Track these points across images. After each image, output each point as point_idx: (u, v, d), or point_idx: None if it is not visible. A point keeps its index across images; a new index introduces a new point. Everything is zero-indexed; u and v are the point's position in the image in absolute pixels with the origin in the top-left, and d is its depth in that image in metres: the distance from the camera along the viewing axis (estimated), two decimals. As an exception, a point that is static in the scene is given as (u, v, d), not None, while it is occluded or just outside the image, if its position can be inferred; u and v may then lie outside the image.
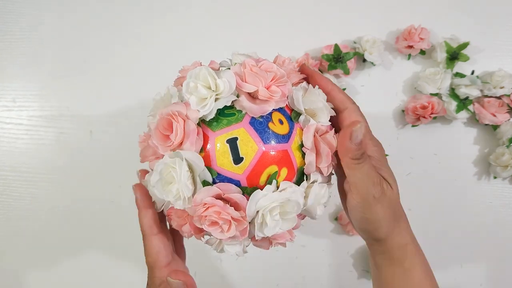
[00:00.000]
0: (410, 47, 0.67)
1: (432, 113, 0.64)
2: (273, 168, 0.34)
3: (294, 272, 0.69)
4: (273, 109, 0.35)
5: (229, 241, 0.35)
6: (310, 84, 0.39)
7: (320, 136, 0.36)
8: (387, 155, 0.66)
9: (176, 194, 0.33)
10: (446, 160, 0.68)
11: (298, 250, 0.68)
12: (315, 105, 0.37)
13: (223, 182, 0.34)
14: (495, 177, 0.67)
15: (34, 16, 0.68)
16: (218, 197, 0.33)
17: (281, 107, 0.36)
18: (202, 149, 0.34)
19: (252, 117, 0.34)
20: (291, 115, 0.37)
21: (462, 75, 0.67)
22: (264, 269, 0.68)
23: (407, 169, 0.69)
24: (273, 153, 0.34)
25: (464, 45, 0.66)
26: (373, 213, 0.38)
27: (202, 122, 0.34)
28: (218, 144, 0.34)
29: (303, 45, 0.69)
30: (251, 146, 0.34)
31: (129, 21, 0.69)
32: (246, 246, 0.37)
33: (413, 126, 0.67)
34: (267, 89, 0.34)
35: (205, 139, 0.34)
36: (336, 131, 0.38)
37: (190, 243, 0.45)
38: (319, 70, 0.68)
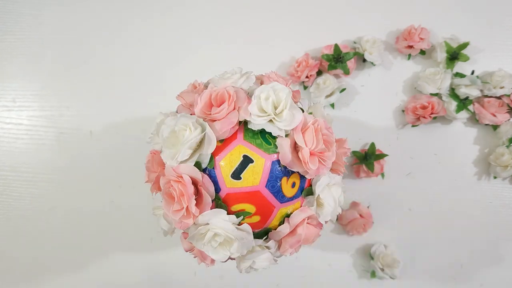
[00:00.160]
0: (410, 47, 0.67)
1: (432, 113, 0.64)
2: (251, 209, 0.35)
3: (294, 272, 0.68)
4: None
5: (163, 217, 0.36)
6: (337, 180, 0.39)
7: (307, 223, 0.37)
8: (387, 155, 0.67)
9: (175, 151, 0.33)
10: (446, 160, 0.68)
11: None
12: (327, 202, 0.37)
13: (211, 177, 0.34)
14: (495, 177, 0.67)
15: (34, 16, 0.68)
16: (195, 183, 0.33)
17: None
18: (222, 140, 0.34)
19: (278, 159, 0.34)
20: (305, 188, 0.37)
21: (462, 75, 0.67)
22: (264, 269, 0.68)
23: (407, 169, 0.69)
24: (264, 200, 0.35)
25: (464, 45, 0.66)
26: None
27: (244, 123, 0.34)
28: (235, 151, 0.34)
29: (303, 45, 0.69)
30: (255, 178, 0.34)
31: (129, 21, 0.69)
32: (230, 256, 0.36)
33: (413, 126, 0.67)
34: (310, 155, 0.33)
35: (233, 136, 0.34)
36: None
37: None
38: (319, 70, 0.68)
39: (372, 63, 0.67)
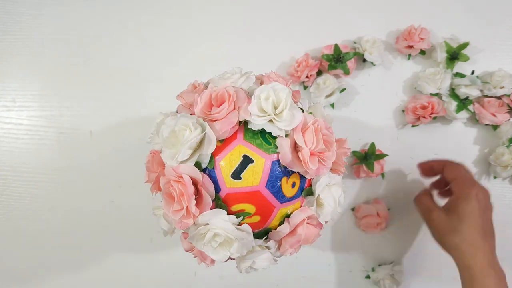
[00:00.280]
0: (410, 47, 0.67)
1: (432, 113, 0.64)
2: (251, 209, 0.35)
3: (294, 272, 0.68)
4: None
5: (163, 217, 0.36)
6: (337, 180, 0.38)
7: (307, 223, 0.37)
8: (387, 155, 0.67)
9: (175, 151, 0.33)
10: (446, 160, 0.68)
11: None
12: (327, 202, 0.37)
13: (211, 177, 0.34)
14: (495, 177, 0.67)
15: (34, 16, 0.68)
16: (195, 183, 0.33)
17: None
18: (222, 140, 0.34)
19: (278, 159, 0.34)
20: (305, 188, 0.37)
21: (462, 75, 0.67)
22: (264, 269, 0.68)
23: (407, 169, 0.69)
24: (264, 200, 0.35)
25: (464, 45, 0.66)
26: None
27: (243, 123, 0.34)
28: (235, 151, 0.34)
29: (303, 45, 0.69)
30: (255, 178, 0.34)
31: (129, 21, 0.69)
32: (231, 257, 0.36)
33: (413, 126, 0.67)
34: (310, 155, 0.33)
35: (233, 136, 0.34)
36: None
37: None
38: (319, 70, 0.68)
39: (372, 63, 0.67)
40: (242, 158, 0.34)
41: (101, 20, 0.69)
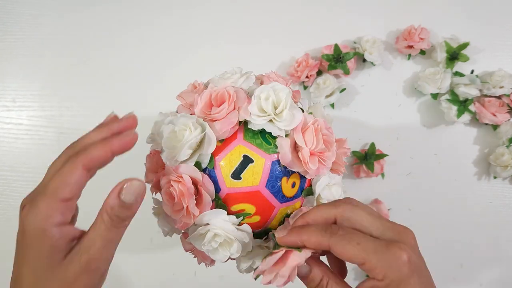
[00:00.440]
0: (410, 47, 0.67)
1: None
2: (251, 209, 0.35)
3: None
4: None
5: (164, 217, 0.36)
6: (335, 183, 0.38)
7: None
8: (387, 155, 0.67)
9: (175, 151, 0.33)
10: (446, 160, 0.68)
11: (298, 250, 0.68)
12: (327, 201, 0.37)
13: (211, 177, 0.34)
14: (495, 177, 0.67)
15: (34, 16, 0.68)
16: (195, 183, 0.33)
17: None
18: (222, 140, 0.34)
19: (278, 159, 0.34)
20: (305, 188, 0.37)
21: (461, 74, 0.67)
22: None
23: (407, 169, 0.69)
24: (264, 200, 0.35)
25: (464, 45, 0.66)
26: None
27: (243, 123, 0.34)
28: (235, 151, 0.34)
29: (303, 45, 0.69)
30: (255, 178, 0.34)
31: (129, 21, 0.69)
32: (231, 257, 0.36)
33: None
34: (310, 155, 0.33)
35: (233, 136, 0.34)
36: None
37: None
38: (319, 70, 0.68)
39: (372, 63, 0.67)
40: (242, 158, 0.34)
41: (101, 20, 0.69)
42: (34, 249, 0.29)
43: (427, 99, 0.69)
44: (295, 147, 0.35)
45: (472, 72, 0.67)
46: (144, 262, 0.68)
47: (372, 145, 0.67)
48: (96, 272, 0.30)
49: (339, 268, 0.36)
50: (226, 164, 0.34)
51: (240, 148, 0.34)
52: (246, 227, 0.35)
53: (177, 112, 0.40)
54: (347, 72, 0.66)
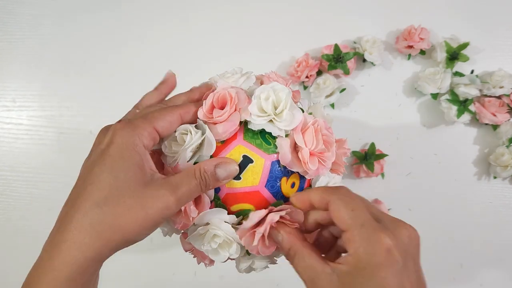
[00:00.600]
0: (410, 47, 0.67)
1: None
2: (251, 209, 0.35)
3: (294, 272, 0.68)
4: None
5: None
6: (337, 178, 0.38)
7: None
8: (387, 155, 0.67)
9: (175, 155, 0.33)
10: (446, 160, 0.68)
11: (298, 250, 0.68)
12: None
13: None
14: (495, 177, 0.67)
15: (34, 16, 0.68)
16: None
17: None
18: (223, 141, 0.34)
19: (278, 160, 0.34)
20: (305, 188, 0.37)
21: (461, 74, 0.67)
22: (263, 269, 0.68)
23: (407, 169, 0.69)
24: (263, 200, 0.34)
25: (464, 45, 0.66)
26: None
27: (244, 123, 0.34)
28: (235, 151, 0.34)
29: (303, 45, 0.69)
30: (254, 178, 0.34)
31: (130, 21, 0.69)
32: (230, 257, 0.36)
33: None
34: (310, 155, 0.33)
35: (233, 137, 0.34)
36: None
37: (190, 243, 0.44)
38: (319, 70, 0.68)
39: (372, 63, 0.67)
40: (241, 158, 0.34)
41: (101, 20, 0.69)
42: (123, 158, 0.29)
43: (427, 99, 0.69)
44: (295, 147, 0.35)
45: (472, 72, 0.67)
46: (144, 262, 0.68)
47: (372, 145, 0.67)
48: (169, 211, 0.30)
49: (326, 244, 0.34)
50: None
51: (240, 148, 0.34)
52: None
53: None
54: (347, 72, 0.66)
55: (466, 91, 0.64)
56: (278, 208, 0.33)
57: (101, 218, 0.28)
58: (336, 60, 0.65)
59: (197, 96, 0.37)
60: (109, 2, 0.69)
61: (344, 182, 0.61)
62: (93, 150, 0.33)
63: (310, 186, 0.38)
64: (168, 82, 0.41)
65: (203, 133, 0.33)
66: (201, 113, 0.34)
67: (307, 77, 0.66)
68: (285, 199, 0.36)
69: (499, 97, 0.65)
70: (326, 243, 0.34)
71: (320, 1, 0.70)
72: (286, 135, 0.35)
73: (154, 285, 0.68)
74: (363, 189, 0.69)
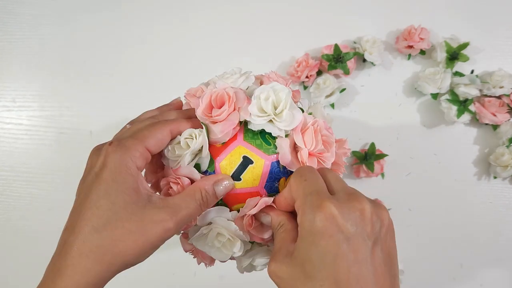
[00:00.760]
0: (410, 47, 0.66)
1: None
2: None
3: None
4: None
5: None
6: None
7: None
8: (387, 155, 0.67)
9: (177, 158, 0.33)
10: (446, 160, 0.68)
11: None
12: None
13: None
14: (495, 177, 0.67)
15: (34, 16, 0.68)
16: None
17: None
18: (224, 143, 0.34)
19: (278, 160, 0.34)
20: None
21: (461, 74, 0.67)
22: (264, 269, 0.68)
23: (407, 169, 0.69)
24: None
25: (464, 45, 0.66)
26: None
27: (243, 124, 0.34)
28: (235, 152, 0.34)
29: (303, 45, 0.69)
30: (254, 179, 0.34)
31: (130, 21, 0.69)
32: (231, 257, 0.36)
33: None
34: (309, 155, 0.33)
35: (233, 137, 0.34)
36: None
37: (190, 243, 0.44)
38: (319, 70, 0.68)
39: (372, 63, 0.67)
40: (242, 159, 0.34)
41: (101, 20, 0.69)
42: (117, 183, 0.29)
43: (427, 99, 0.69)
44: (295, 148, 0.35)
45: (472, 72, 0.67)
46: (144, 262, 0.68)
47: (372, 145, 0.67)
48: (169, 234, 0.30)
49: None
50: (226, 165, 0.34)
51: (240, 149, 0.34)
52: None
53: None
54: (347, 72, 0.66)
55: (466, 91, 0.64)
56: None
57: (100, 243, 0.28)
58: (336, 60, 0.65)
59: (190, 114, 0.36)
60: (109, 2, 0.69)
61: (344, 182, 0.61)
62: (87, 173, 0.33)
63: None
64: (171, 105, 0.40)
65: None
66: (199, 112, 0.34)
67: (307, 77, 0.66)
68: None
69: (499, 97, 0.65)
70: None
71: (320, 1, 0.70)
72: (286, 135, 0.34)
73: (154, 285, 0.68)
74: (363, 189, 0.68)
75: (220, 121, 0.33)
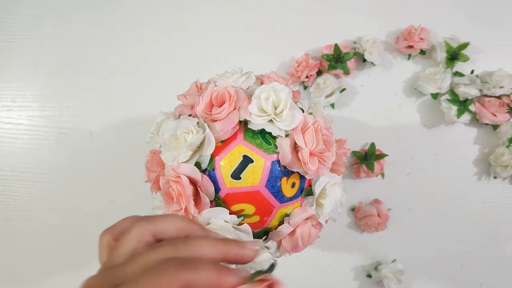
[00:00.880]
0: (410, 47, 0.66)
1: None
2: (251, 208, 0.35)
3: (295, 272, 0.68)
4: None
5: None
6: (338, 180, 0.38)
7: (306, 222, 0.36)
8: (387, 155, 0.67)
9: (176, 154, 0.33)
10: (446, 160, 0.68)
11: (298, 250, 0.68)
12: (327, 202, 0.37)
13: (211, 177, 0.34)
14: (495, 177, 0.67)
15: (34, 16, 0.68)
16: (194, 183, 0.33)
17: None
18: (223, 141, 0.34)
19: (278, 160, 0.34)
20: (305, 189, 0.37)
21: (461, 74, 0.67)
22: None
23: (407, 169, 0.69)
24: (263, 200, 0.35)
25: (464, 45, 0.66)
26: None
27: (243, 123, 0.34)
28: (235, 151, 0.34)
29: (303, 45, 0.69)
30: (254, 178, 0.34)
31: (129, 21, 0.69)
32: None
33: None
34: (310, 155, 0.33)
35: (233, 136, 0.34)
36: None
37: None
38: (319, 70, 0.68)
39: (372, 63, 0.67)
40: (242, 158, 0.34)
41: (101, 20, 0.69)
42: None
43: (427, 99, 0.69)
44: (295, 147, 0.35)
45: (472, 72, 0.67)
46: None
47: (372, 145, 0.67)
48: None
49: None
50: (226, 164, 0.34)
51: (240, 148, 0.34)
52: (246, 227, 0.35)
53: (176, 112, 0.40)
54: (347, 72, 0.66)
55: (466, 91, 0.64)
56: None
57: None
58: (336, 60, 0.65)
59: (220, 255, 0.25)
60: (109, 2, 0.69)
61: (344, 182, 0.61)
62: None
63: (310, 186, 0.38)
64: (232, 249, 0.26)
65: (203, 132, 0.33)
66: (199, 110, 0.34)
67: (307, 77, 0.66)
68: (286, 199, 0.36)
69: (499, 97, 0.65)
70: None
71: (320, 1, 0.70)
72: (286, 135, 0.35)
73: (154, 285, 0.68)
74: (363, 189, 0.69)
75: (220, 120, 0.33)
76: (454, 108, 0.64)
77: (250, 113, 0.33)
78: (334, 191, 0.37)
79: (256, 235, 0.37)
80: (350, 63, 0.66)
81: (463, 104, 0.65)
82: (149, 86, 0.69)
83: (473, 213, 0.68)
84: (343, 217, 0.69)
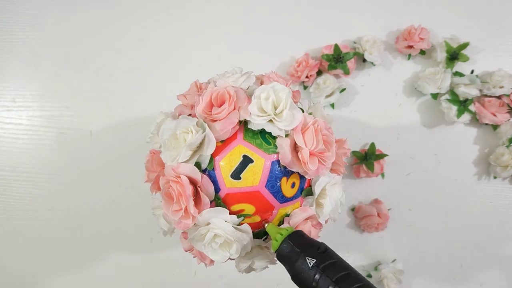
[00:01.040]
0: (410, 47, 0.66)
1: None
2: (251, 209, 0.35)
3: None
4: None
5: (163, 217, 0.35)
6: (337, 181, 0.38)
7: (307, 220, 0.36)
8: (387, 155, 0.67)
9: (175, 153, 0.33)
10: (446, 160, 0.68)
11: (298, 250, 0.68)
12: (327, 202, 0.37)
13: (211, 177, 0.34)
14: (495, 177, 0.67)
15: (34, 16, 0.68)
16: (194, 183, 0.33)
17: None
18: (223, 141, 0.34)
19: (278, 160, 0.34)
20: (305, 189, 0.37)
21: (461, 74, 0.67)
22: (263, 269, 0.68)
23: (407, 169, 0.69)
24: (263, 200, 0.35)
25: (464, 45, 0.66)
26: None
27: (243, 123, 0.34)
28: (235, 151, 0.34)
29: (303, 45, 0.69)
30: (254, 178, 0.34)
31: (129, 21, 0.69)
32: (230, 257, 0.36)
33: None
34: (310, 155, 0.33)
35: (233, 136, 0.34)
36: None
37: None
38: (319, 70, 0.68)
39: (372, 63, 0.67)
40: (242, 158, 0.34)
41: (101, 20, 0.69)
42: None
43: (427, 99, 0.69)
44: (295, 147, 0.35)
45: (472, 72, 0.67)
46: (144, 262, 0.68)
47: (372, 145, 0.67)
48: None
49: None
50: (226, 164, 0.34)
51: (240, 148, 0.34)
52: (246, 227, 0.35)
53: (175, 112, 0.40)
54: (347, 72, 0.66)
55: (466, 91, 0.64)
56: None
57: None
58: (336, 60, 0.65)
59: None
60: (110, 2, 0.69)
61: (344, 182, 0.61)
62: None
63: (310, 186, 0.38)
64: None
65: (203, 132, 0.33)
66: (199, 110, 0.34)
67: (307, 77, 0.66)
68: (285, 199, 0.36)
69: (499, 97, 0.65)
70: None
71: (320, 1, 0.70)
72: (286, 135, 0.35)
73: (154, 285, 0.68)
74: (363, 189, 0.69)
75: (219, 120, 0.33)
76: (454, 108, 0.64)
77: (250, 113, 0.33)
78: (334, 191, 0.37)
79: (256, 235, 0.37)
80: (350, 63, 0.66)
81: (463, 104, 0.65)
82: (149, 86, 0.69)
83: (473, 213, 0.68)
84: (343, 217, 0.69)
